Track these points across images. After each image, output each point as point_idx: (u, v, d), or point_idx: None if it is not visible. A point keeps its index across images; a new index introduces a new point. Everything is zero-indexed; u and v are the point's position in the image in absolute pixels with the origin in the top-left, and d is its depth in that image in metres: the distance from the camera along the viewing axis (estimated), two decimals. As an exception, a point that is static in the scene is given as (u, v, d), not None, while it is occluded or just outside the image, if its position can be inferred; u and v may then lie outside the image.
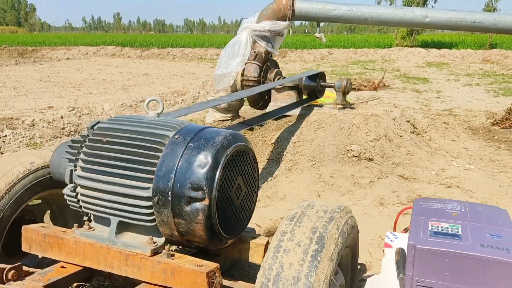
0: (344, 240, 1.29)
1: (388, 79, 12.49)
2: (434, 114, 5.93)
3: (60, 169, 1.62)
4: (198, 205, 1.32)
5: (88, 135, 1.53)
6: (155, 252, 1.39)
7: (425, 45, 26.04)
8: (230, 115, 4.35)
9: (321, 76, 3.73)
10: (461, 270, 1.11)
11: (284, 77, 3.88)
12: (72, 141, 1.57)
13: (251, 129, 3.87)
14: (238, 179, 1.46)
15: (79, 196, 1.50)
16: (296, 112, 3.56)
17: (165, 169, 1.35)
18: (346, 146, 3.10)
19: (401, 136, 3.33)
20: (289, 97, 3.72)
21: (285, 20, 3.77)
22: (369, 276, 1.54)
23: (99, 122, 1.58)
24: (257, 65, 3.73)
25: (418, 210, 1.36)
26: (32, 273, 1.42)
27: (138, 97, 8.41)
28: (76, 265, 1.48)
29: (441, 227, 1.24)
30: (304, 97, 3.80)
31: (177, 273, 1.33)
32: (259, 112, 3.91)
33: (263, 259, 1.22)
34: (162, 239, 1.43)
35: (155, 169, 1.36)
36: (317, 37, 3.88)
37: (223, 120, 4.30)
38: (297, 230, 1.25)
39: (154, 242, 1.41)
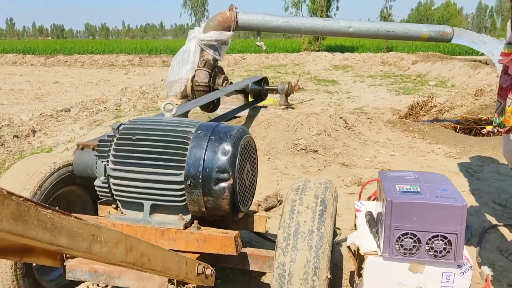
0: (336, 203, 1.72)
1: (302, 82, 13.31)
2: (349, 113, 6.66)
3: (87, 166, 1.87)
4: (224, 184, 1.67)
5: (115, 135, 1.81)
6: (186, 226, 1.71)
7: (330, 49, 27.67)
8: (180, 118, 4.63)
9: (265, 81, 4.18)
10: (424, 214, 1.59)
11: (231, 82, 4.26)
12: (100, 141, 1.83)
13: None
14: (247, 164, 1.83)
15: (112, 186, 1.77)
16: (245, 113, 3.96)
17: (194, 158, 1.68)
18: (294, 141, 3.56)
19: (337, 130, 3.87)
20: (237, 100, 4.11)
21: (230, 30, 4.16)
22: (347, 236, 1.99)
23: (122, 123, 1.86)
24: (207, 71, 4.08)
25: (385, 179, 1.82)
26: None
27: (56, 106, 8.24)
28: (112, 244, 1.74)
29: (405, 188, 1.71)
30: (250, 99, 4.21)
31: (208, 240, 1.67)
32: (210, 115, 4.26)
33: (281, 220, 1.60)
34: (189, 216, 1.75)
35: (185, 158, 1.69)
36: (258, 45, 4.31)
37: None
38: (304, 197, 1.65)
39: (183, 219, 1.73)
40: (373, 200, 2.21)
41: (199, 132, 1.75)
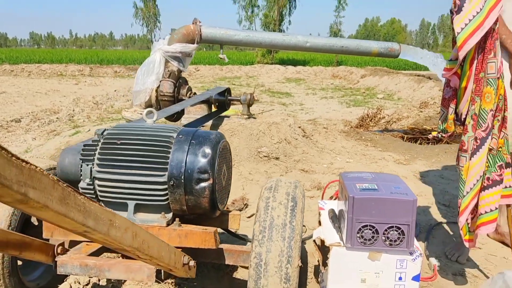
0: (304, 199, 1.92)
1: (256, 94, 13.59)
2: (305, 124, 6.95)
3: (72, 169, 1.97)
4: (204, 184, 1.83)
5: (99, 140, 1.93)
6: (168, 224, 1.86)
7: (283, 62, 28.27)
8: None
9: (228, 91, 4.36)
10: (381, 208, 1.82)
11: (195, 93, 4.41)
12: (85, 145, 1.94)
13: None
14: (224, 166, 2.01)
15: (96, 188, 1.89)
16: (209, 122, 4.12)
17: (176, 160, 1.83)
18: (257, 149, 3.76)
19: (296, 139, 4.11)
20: (201, 110, 4.27)
21: (194, 43, 4.32)
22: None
23: (105, 129, 1.98)
24: (172, 82, 4.21)
25: (346, 179, 2.05)
26: (67, 250, 1.78)
27: (5, 116, 8.05)
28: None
29: (364, 186, 1.94)
30: (214, 109, 4.37)
31: (190, 235, 1.82)
32: (174, 124, 4.38)
33: (257, 216, 1.78)
34: (171, 214, 1.89)
35: (168, 161, 1.83)
36: (221, 58, 4.50)
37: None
38: (276, 194, 1.83)
39: (166, 217, 1.87)
40: (335, 199, 2.44)
41: (180, 136, 1.90)
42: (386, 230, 1.83)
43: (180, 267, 1.62)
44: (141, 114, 4.62)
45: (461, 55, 1.91)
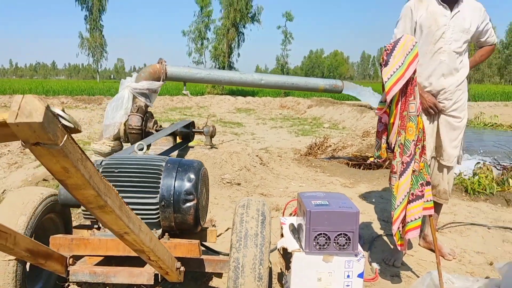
0: (270, 214, 2.36)
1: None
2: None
3: (69, 195, 2.31)
4: (190, 204, 2.23)
5: (98, 169, 2.29)
6: (159, 238, 2.23)
7: (232, 93, 28.90)
8: (112, 158, 5.05)
9: (192, 124, 4.78)
10: (332, 219, 2.29)
11: (160, 126, 4.80)
12: (85, 173, 2.30)
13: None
14: (204, 189, 2.42)
15: (96, 210, 2.24)
16: (175, 153, 4.50)
17: (166, 184, 2.23)
18: (220, 176, 4.18)
19: (255, 166, 4.57)
20: (167, 141, 4.64)
21: (159, 81, 4.74)
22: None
23: (103, 160, 2.35)
24: (140, 116, 4.58)
25: (303, 197, 2.52)
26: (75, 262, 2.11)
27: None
28: (99, 256, 2.20)
29: (318, 202, 2.41)
30: (179, 141, 4.76)
31: (178, 246, 2.20)
32: (140, 155, 4.73)
33: (233, 228, 2.19)
34: (160, 230, 2.27)
35: (159, 185, 2.22)
36: (184, 93, 4.93)
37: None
38: (249, 211, 2.26)
39: (156, 232, 2.25)
40: (294, 215, 2.90)
41: (168, 165, 2.31)
42: (336, 237, 2.30)
43: (174, 271, 2.00)
44: (109, 146, 4.95)
45: (388, 98, 2.46)
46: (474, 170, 5.14)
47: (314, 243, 2.30)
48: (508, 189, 4.76)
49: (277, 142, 10.47)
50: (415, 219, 2.60)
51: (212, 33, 29.95)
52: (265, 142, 10.46)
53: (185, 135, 4.70)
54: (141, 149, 2.47)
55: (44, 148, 0.88)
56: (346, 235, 2.30)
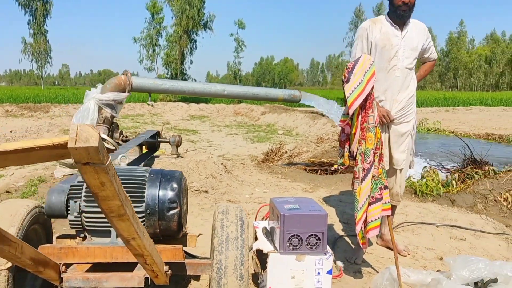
0: (247, 219, 2.56)
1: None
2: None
3: (57, 206, 2.41)
4: (174, 211, 2.39)
5: (83, 181, 2.41)
6: (144, 244, 2.38)
7: (185, 100, 28.76)
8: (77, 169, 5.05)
9: (158, 134, 4.89)
10: (304, 222, 2.52)
11: (126, 136, 4.88)
12: (72, 186, 2.41)
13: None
14: (185, 197, 2.59)
15: (83, 220, 2.35)
16: (142, 163, 4.60)
17: (151, 193, 2.38)
18: (188, 184, 4.32)
19: (221, 174, 4.75)
20: (133, 151, 4.73)
21: (125, 92, 4.83)
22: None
23: (88, 172, 2.47)
24: (106, 127, 4.65)
25: (276, 202, 2.74)
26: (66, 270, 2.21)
27: None
28: (87, 263, 2.32)
29: (290, 206, 2.64)
30: (145, 150, 4.85)
31: (163, 251, 2.35)
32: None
33: (215, 233, 2.37)
34: (145, 237, 2.42)
35: (144, 194, 2.37)
36: (149, 104, 5.04)
37: (71, 174, 4.95)
38: (228, 216, 2.45)
39: (142, 239, 2.40)
40: (265, 219, 3.12)
41: (152, 175, 2.46)
42: (307, 237, 2.53)
43: (163, 273, 2.16)
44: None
45: (350, 112, 2.74)
46: (421, 173, 5.57)
47: (288, 244, 2.53)
48: (452, 191, 5.21)
49: (234, 149, 10.62)
50: (375, 219, 2.88)
51: (164, 40, 29.85)
52: (222, 149, 10.58)
53: (151, 145, 4.80)
54: (124, 161, 2.60)
55: (91, 167, 1.05)
56: (317, 235, 2.54)
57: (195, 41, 30.41)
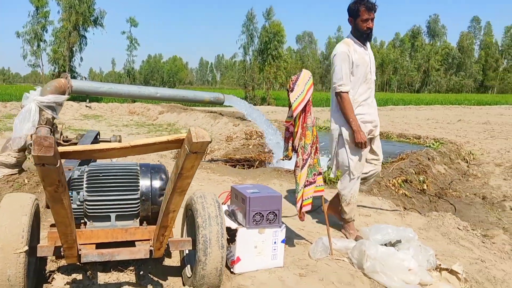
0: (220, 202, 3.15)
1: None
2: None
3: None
4: (163, 197, 2.89)
5: (83, 175, 2.80)
6: (139, 225, 2.85)
7: (75, 98, 27.52)
8: (17, 169, 5.10)
9: (98, 134, 5.17)
10: (264, 202, 3.19)
11: (67, 136, 5.07)
12: (72, 179, 2.78)
13: (20, 172, 4.99)
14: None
15: (85, 207, 2.75)
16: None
17: (145, 183, 2.86)
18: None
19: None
20: (75, 151, 4.97)
21: (65, 94, 5.04)
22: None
23: (85, 166, 2.86)
24: (48, 128, 4.83)
25: (238, 189, 3.36)
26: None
27: None
28: (92, 243, 2.72)
29: (252, 191, 3.29)
30: (86, 150, 5.10)
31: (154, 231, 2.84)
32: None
33: (198, 213, 2.91)
34: (138, 219, 2.88)
35: (139, 184, 2.84)
36: (87, 106, 5.27)
37: (12, 175, 4.99)
38: (206, 199, 3.00)
39: (137, 221, 2.85)
40: (226, 204, 3.72)
41: (143, 168, 2.93)
42: (267, 214, 3.20)
43: (164, 246, 2.66)
44: (14, 157, 5.08)
45: (294, 115, 3.46)
46: (327, 165, 6.55)
47: (252, 220, 3.17)
48: (353, 178, 6.26)
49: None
50: (308, 198, 3.64)
51: (51, 36, 28.23)
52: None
53: (92, 144, 5.08)
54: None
55: (195, 155, 1.60)
56: (274, 212, 3.22)
57: (85, 37, 29.27)
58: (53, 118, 5.12)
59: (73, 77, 29.51)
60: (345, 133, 3.86)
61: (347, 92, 3.79)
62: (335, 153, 4.00)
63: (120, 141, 5.21)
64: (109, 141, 5.20)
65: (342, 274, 3.24)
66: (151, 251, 2.66)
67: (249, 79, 33.47)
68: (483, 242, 4.78)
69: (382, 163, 7.27)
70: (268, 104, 31.63)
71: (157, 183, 2.91)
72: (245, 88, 33.02)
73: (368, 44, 3.99)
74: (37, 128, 5.00)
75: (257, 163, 7.44)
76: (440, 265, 3.53)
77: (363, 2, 3.74)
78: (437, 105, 39.56)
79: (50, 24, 27.52)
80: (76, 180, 2.80)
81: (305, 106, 3.49)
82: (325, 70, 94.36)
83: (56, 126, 5.17)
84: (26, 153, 4.92)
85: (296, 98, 3.44)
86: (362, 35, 3.85)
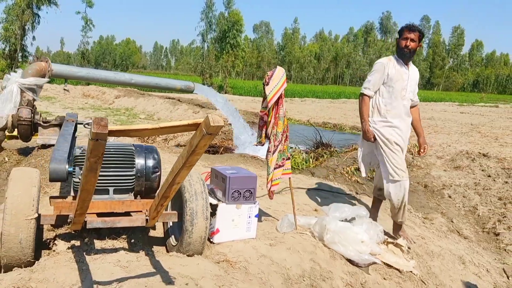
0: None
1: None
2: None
3: (59, 172, 3.08)
4: (156, 174, 3.28)
5: (85, 153, 3.14)
6: (134, 198, 3.23)
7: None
8: (-4, 148, 5.29)
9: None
10: (242, 181, 3.64)
11: (46, 118, 5.30)
12: (76, 156, 3.12)
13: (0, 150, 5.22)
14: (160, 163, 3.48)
15: (88, 181, 3.09)
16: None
17: (140, 162, 3.23)
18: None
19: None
20: (54, 132, 5.21)
21: (45, 77, 5.26)
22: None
23: (82, 146, 3.20)
24: (30, 109, 5.06)
25: (218, 169, 3.80)
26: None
27: None
28: (92, 213, 3.07)
29: (231, 172, 3.73)
30: (65, 131, 5.34)
31: (148, 203, 3.21)
32: (27, 144, 5.18)
33: (185, 189, 3.33)
34: (132, 193, 3.26)
35: (135, 162, 3.22)
36: (65, 89, 5.51)
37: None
38: (192, 177, 3.41)
39: (132, 195, 3.23)
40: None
41: (137, 148, 3.31)
42: (244, 192, 3.66)
43: (159, 216, 3.07)
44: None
45: (269, 106, 3.93)
46: (291, 153, 7.10)
47: (231, 196, 3.62)
48: (311, 166, 6.84)
49: (105, 133, 10.89)
50: (277, 179, 4.14)
51: (2, 13, 27.10)
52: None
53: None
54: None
55: (209, 136, 2.03)
56: (250, 190, 3.68)
57: (39, 16, 28.31)
58: (34, 99, 5.34)
59: (24, 56, 28.58)
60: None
61: (369, 96, 4.25)
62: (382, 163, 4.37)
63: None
64: (88, 123, 5.47)
65: (306, 245, 3.76)
66: (146, 220, 3.05)
67: (206, 67, 33.61)
68: (424, 223, 5.49)
69: (337, 152, 7.94)
70: (226, 93, 31.90)
71: (150, 162, 3.30)
72: (202, 75, 33.16)
73: (411, 64, 4.23)
74: (18, 109, 5.21)
75: (221, 149, 7.86)
76: (387, 239, 4.14)
77: (407, 24, 4.10)
78: (386, 100, 41.18)
79: (3, 1, 26.46)
80: (79, 157, 3.14)
81: (278, 98, 3.96)
82: (280, 61, 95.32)
83: (36, 107, 5.39)
84: (6, 132, 5.11)
85: (271, 91, 3.90)
86: (403, 54, 4.13)
